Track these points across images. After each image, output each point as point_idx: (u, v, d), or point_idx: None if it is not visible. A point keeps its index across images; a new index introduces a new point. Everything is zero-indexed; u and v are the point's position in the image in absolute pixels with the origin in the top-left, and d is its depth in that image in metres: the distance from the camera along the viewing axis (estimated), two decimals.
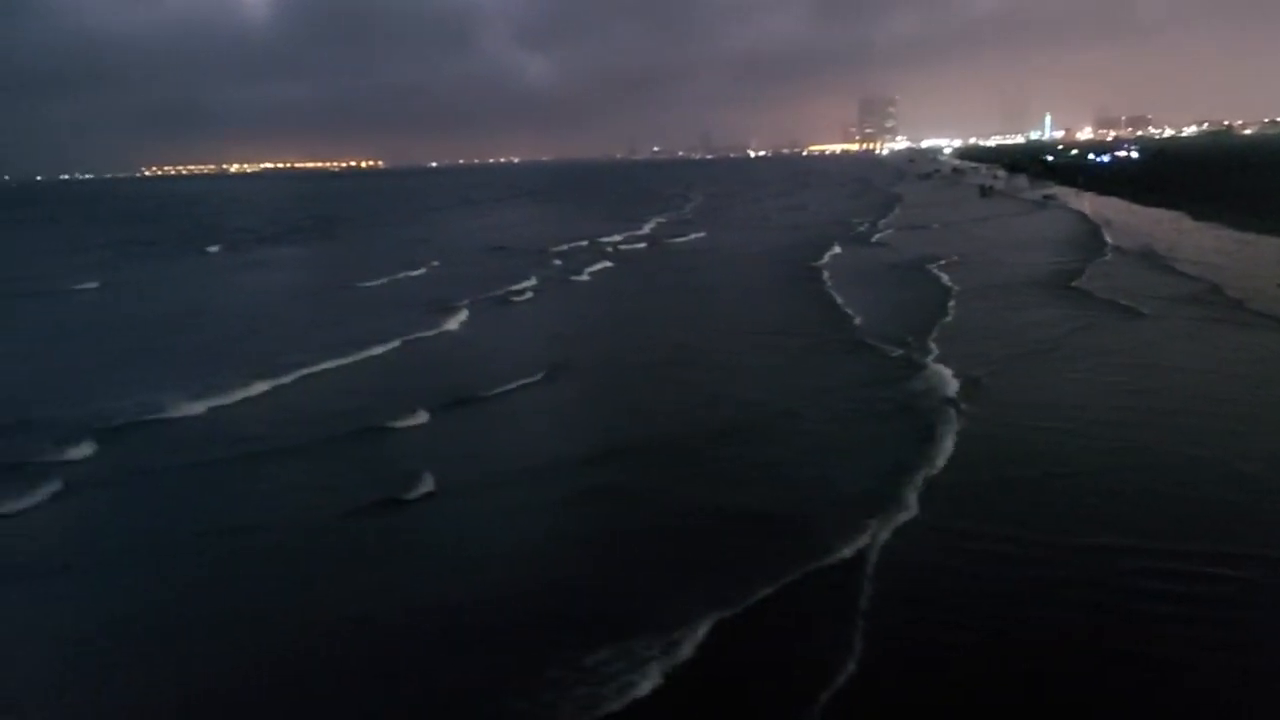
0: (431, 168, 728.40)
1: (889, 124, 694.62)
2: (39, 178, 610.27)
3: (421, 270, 48.53)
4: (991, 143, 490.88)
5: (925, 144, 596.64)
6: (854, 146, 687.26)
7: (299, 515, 15.55)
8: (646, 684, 10.09)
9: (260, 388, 23.55)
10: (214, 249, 69.16)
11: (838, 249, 50.81)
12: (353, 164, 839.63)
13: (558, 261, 51.10)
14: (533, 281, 42.84)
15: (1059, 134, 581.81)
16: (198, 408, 21.73)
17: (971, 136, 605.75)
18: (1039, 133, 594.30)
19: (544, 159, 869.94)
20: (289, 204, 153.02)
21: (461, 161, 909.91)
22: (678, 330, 30.13)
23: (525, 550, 13.87)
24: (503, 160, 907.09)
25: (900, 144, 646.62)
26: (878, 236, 57.82)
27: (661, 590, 12.33)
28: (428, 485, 16.33)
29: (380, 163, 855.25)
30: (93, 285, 47.22)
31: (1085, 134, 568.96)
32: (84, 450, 18.80)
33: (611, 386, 23.62)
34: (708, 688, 10.20)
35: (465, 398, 22.25)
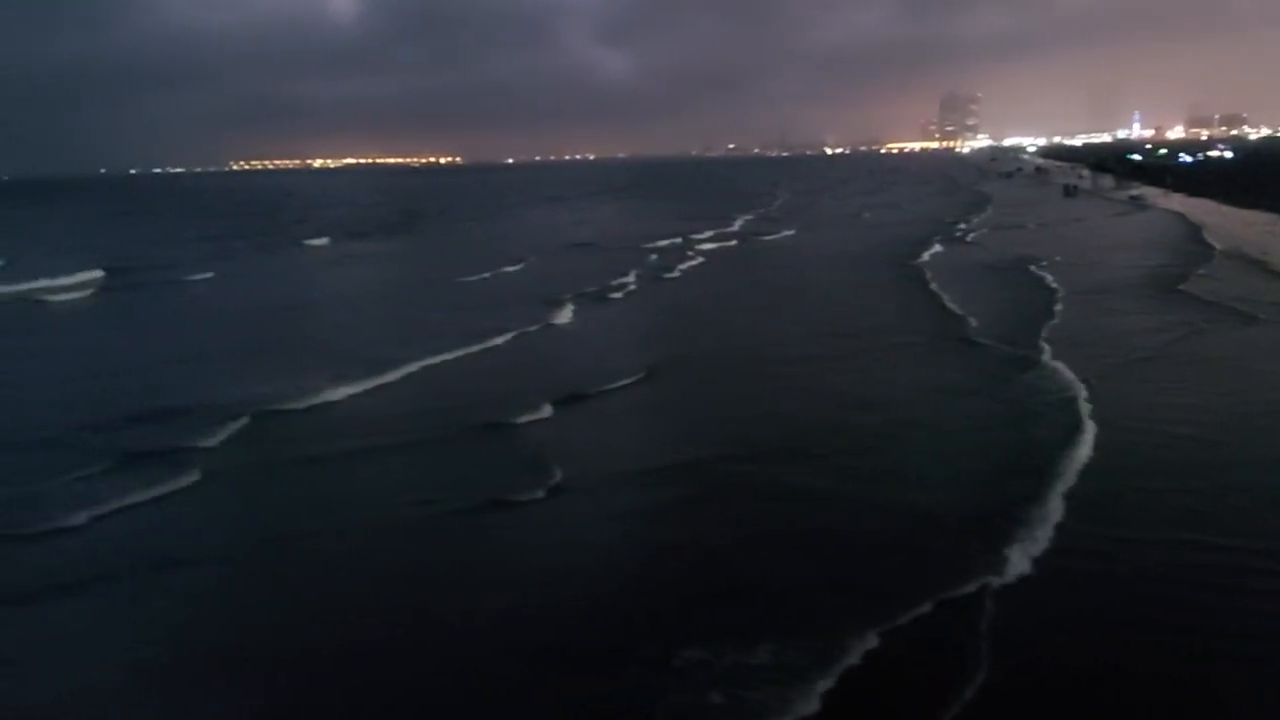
0: (507, 164, 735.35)
1: (971, 121, 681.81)
2: (132, 170, 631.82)
3: (519, 266, 49.20)
4: (1077, 142, 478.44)
5: (1008, 142, 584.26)
6: (933, 144, 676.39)
7: (434, 508, 15.64)
8: (804, 699, 9.74)
9: (382, 379, 24.05)
10: (320, 241, 71.33)
11: (938, 247, 50.37)
12: (431, 160, 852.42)
13: (653, 257, 51.44)
14: (631, 277, 43.36)
15: (1148, 133, 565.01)
16: (323, 399, 22.18)
17: (1056, 135, 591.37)
18: (1127, 132, 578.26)
19: (619, 156, 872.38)
20: (376, 199, 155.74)
21: (537, 158, 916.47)
22: (784, 328, 30.10)
23: (664, 548, 13.85)
24: (577, 157, 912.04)
25: (982, 142, 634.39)
26: (973, 236, 57.04)
27: (807, 597, 12.11)
28: (556, 478, 16.55)
29: (458, 159, 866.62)
30: (207, 275, 49.04)
31: (1176, 133, 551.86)
32: (217, 439, 19.35)
33: (726, 384, 23.65)
34: (864, 703, 9.91)
35: (583, 392, 22.52)
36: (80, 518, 15.19)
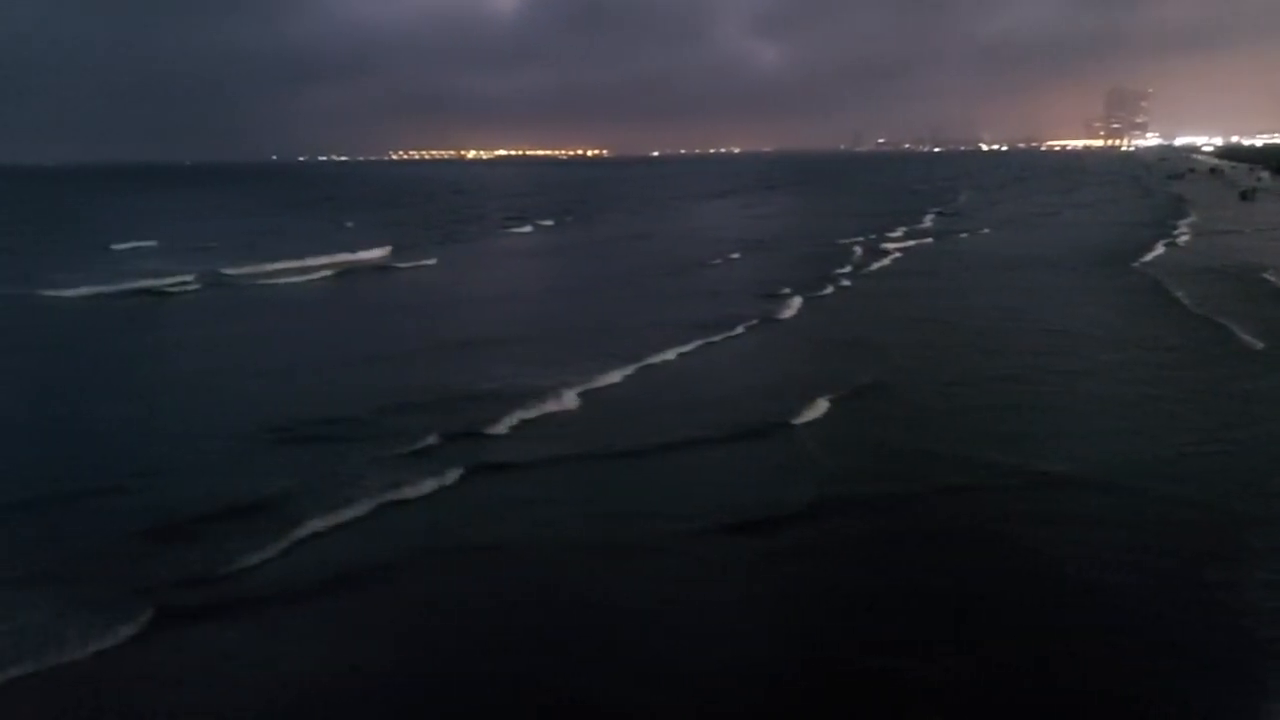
0: (653, 157, 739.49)
1: (1139, 119, 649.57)
2: (301, 158, 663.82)
3: (719, 259, 49.65)
4: (1258, 142, 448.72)
5: (1179, 141, 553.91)
6: (1097, 142, 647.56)
7: (685, 524, 14.77)
8: None
9: (629, 370, 24.31)
10: (525, 229, 74.09)
11: (1160, 249, 48.58)
12: (578, 152, 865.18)
13: (857, 251, 51.37)
14: (844, 270, 43.60)
15: None
16: (575, 393, 21.96)
17: (1234, 135, 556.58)
18: None
19: (764, 150, 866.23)
20: (541, 190, 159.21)
21: (682, 151, 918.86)
22: (1029, 334, 29.03)
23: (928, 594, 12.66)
24: (723, 150, 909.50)
25: (1150, 140, 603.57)
26: (1184, 239, 54.82)
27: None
28: (818, 491, 15.92)
29: (604, 151, 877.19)
30: (431, 262, 51.50)
31: None
32: (489, 432, 19.21)
33: (995, 392, 22.69)
34: None
35: (855, 388, 22.28)
36: (368, 505, 15.43)
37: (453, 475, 16.75)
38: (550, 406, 21.02)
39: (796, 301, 35.25)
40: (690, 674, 10.75)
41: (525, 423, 20.00)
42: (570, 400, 21.56)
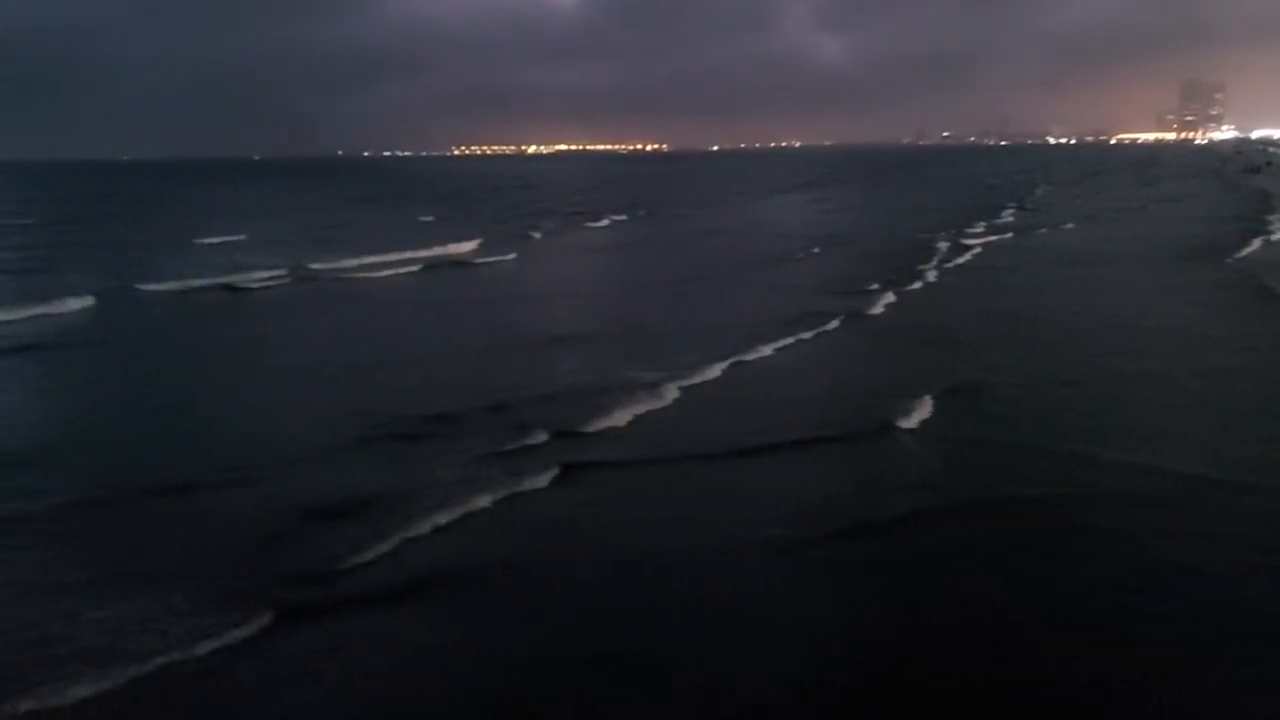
0: (712, 151, 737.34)
1: (1214, 111, 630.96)
2: (365, 153, 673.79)
3: (801, 255, 49.39)
4: None
5: (1256, 134, 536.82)
6: (1170, 135, 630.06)
7: (778, 534, 14.19)
8: None
9: (723, 366, 24.09)
10: (602, 223, 74.72)
11: (1256, 244, 47.10)
12: (637, 147, 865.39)
13: (940, 245, 50.84)
14: (930, 265, 43.06)
15: None
16: (670, 390, 21.74)
17: None
18: None
19: (825, 144, 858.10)
20: (605, 184, 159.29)
21: (742, 145, 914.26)
22: (1126, 335, 28.09)
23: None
24: (783, 144, 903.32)
25: (1226, 133, 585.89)
26: (1278, 235, 53.18)
27: None
28: (919, 500, 15.25)
29: (664, 146, 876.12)
30: (511, 257, 51.95)
31: None
32: (585, 430, 18.91)
33: (1092, 387, 22.01)
34: None
35: (953, 386, 21.74)
36: (471, 504, 15.29)
37: (549, 475, 16.53)
38: (644, 404, 20.79)
39: (886, 297, 34.87)
40: (779, 689, 10.45)
41: (620, 420, 19.74)
42: (664, 397, 21.32)
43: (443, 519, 14.73)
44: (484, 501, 15.40)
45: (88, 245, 61.11)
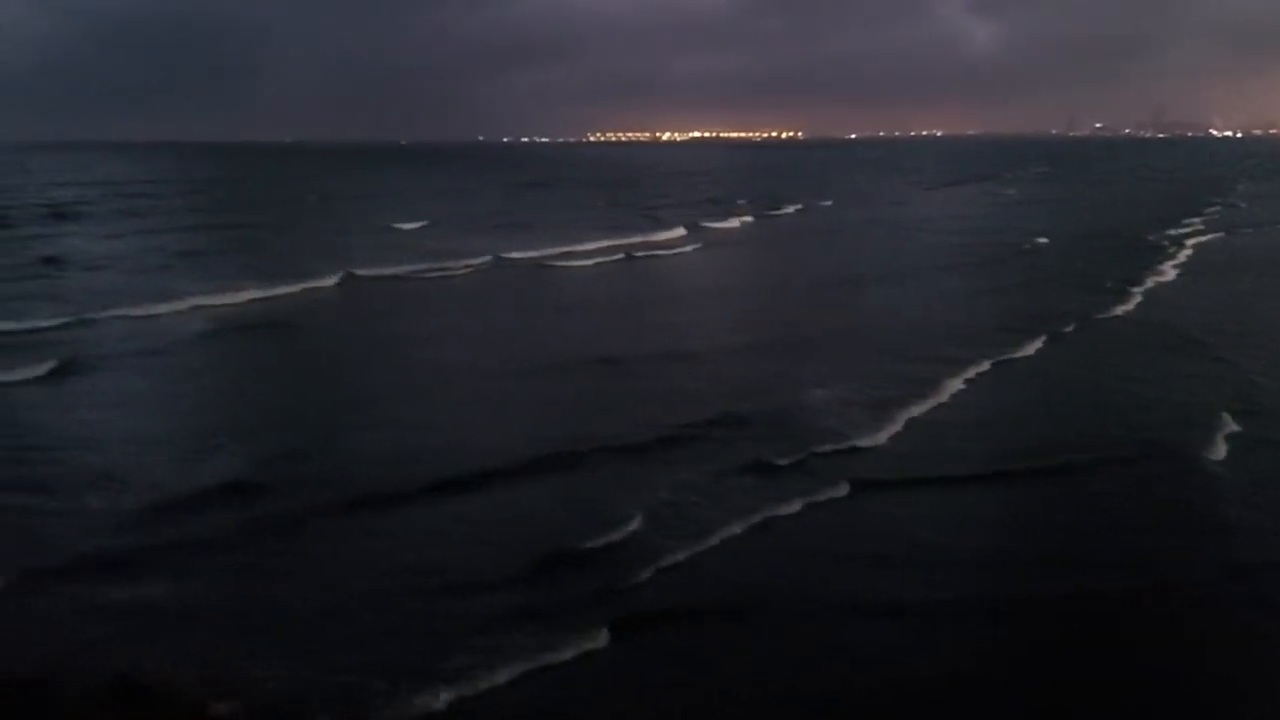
0: (849, 139, 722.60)
1: None
2: (505, 139, 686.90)
3: (1015, 252, 47.50)
4: None
5: None
6: None
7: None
8: None
9: (983, 368, 23.17)
10: (788, 211, 74.86)
11: None
12: (772, 134, 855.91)
13: (1160, 242, 49.20)
14: (1162, 264, 41.21)
15: None
16: (938, 397, 20.66)
17: None
18: None
19: (969, 133, 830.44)
20: (757, 172, 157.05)
21: (881, 134, 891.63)
22: None
23: None
24: (923, 133, 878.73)
25: None
26: None
27: None
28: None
29: (799, 133, 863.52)
30: (694, 248, 51.72)
31: None
32: (861, 444, 17.84)
33: None
34: None
35: (1257, 406, 19.80)
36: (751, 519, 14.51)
37: (839, 491, 15.56)
38: (915, 412, 19.67)
39: (1131, 296, 33.42)
40: None
41: (898, 432, 18.49)
42: (919, 407, 19.98)
43: (737, 529, 14.06)
44: (765, 516, 14.52)
45: (292, 229, 62.87)
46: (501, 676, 10.33)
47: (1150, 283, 36.63)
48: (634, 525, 14.09)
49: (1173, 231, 55.59)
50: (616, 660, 10.92)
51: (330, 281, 38.07)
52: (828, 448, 17.49)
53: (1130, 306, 31.99)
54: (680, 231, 57.41)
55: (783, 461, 16.74)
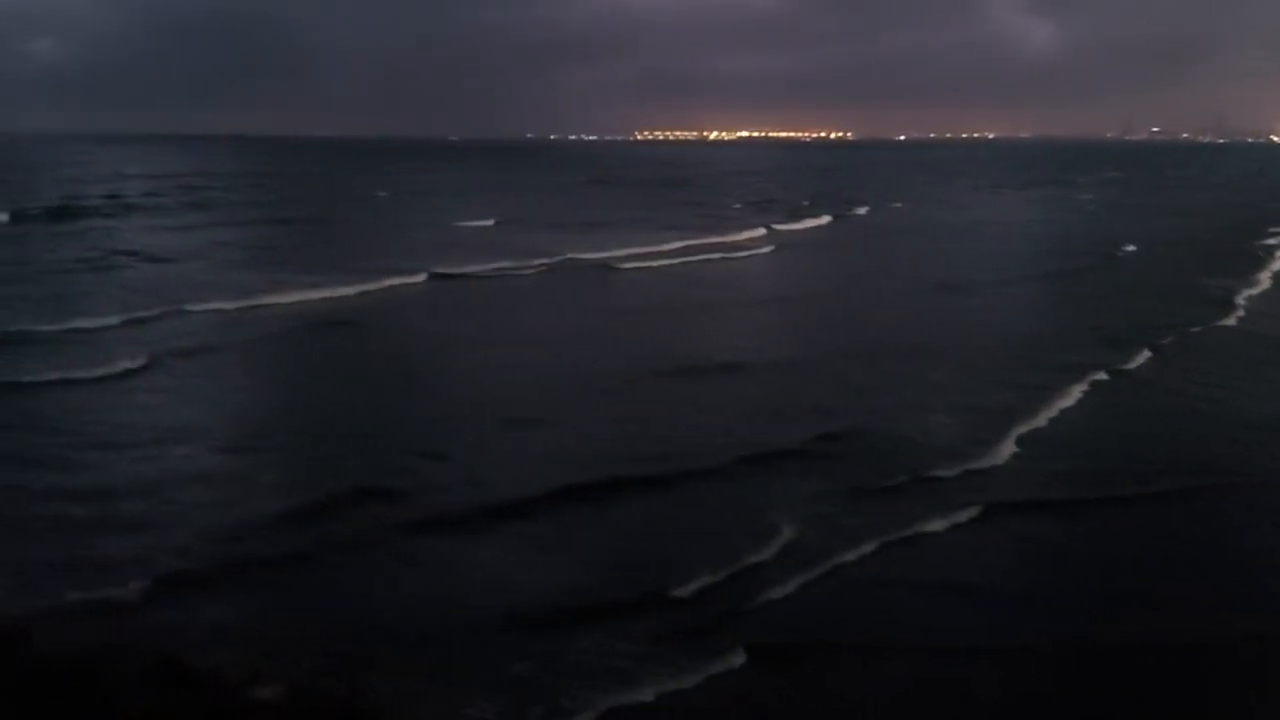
0: (899, 140, 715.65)
1: None
2: (552, 137, 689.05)
3: (1108, 257, 46.62)
4: None
5: None
6: None
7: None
8: None
9: (1099, 377, 22.63)
10: (861, 210, 73.95)
11: None
12: (821, 134, 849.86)
13: (1256, 252, 48.31)
14: (1263, 274, 40.42)
15: None
16: (1041, 415, 19.89)
17: None
18: None
19: (1022, 136, 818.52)
20: (813, 172, 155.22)
21: (931, 135, 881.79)
22: None
23: None
24: (975, 136, 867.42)
25: None
26: None
27: None
28: None
29: (848, 134, 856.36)
30: (768, 250, 51.09)
31: None
32: (984, 464, 17.21)
33: None
34: None
35: None
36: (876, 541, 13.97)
37: (970, 512, 14.92)
38: (1024, 429, 18.93)
39: (1233, 309, 32.61)
40: None
41: (1015, 452, 17.76)
42: (1032, 422, 19.38)
43: (858, 554, 13.40)
44: (889, 539, 13.91)
45: (365, 225, 62.90)
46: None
47: (1247, 293, 35.78)
48: (754, 554, 13.51)
49: (1262, 242, 54.07)
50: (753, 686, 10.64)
51: (417, 279, 38.09)
52: (943, 470, 16.78)
53: (1231, 319, 31.12)
54: (759, 231, 56.78)
55: (902, 480, 16.23)
